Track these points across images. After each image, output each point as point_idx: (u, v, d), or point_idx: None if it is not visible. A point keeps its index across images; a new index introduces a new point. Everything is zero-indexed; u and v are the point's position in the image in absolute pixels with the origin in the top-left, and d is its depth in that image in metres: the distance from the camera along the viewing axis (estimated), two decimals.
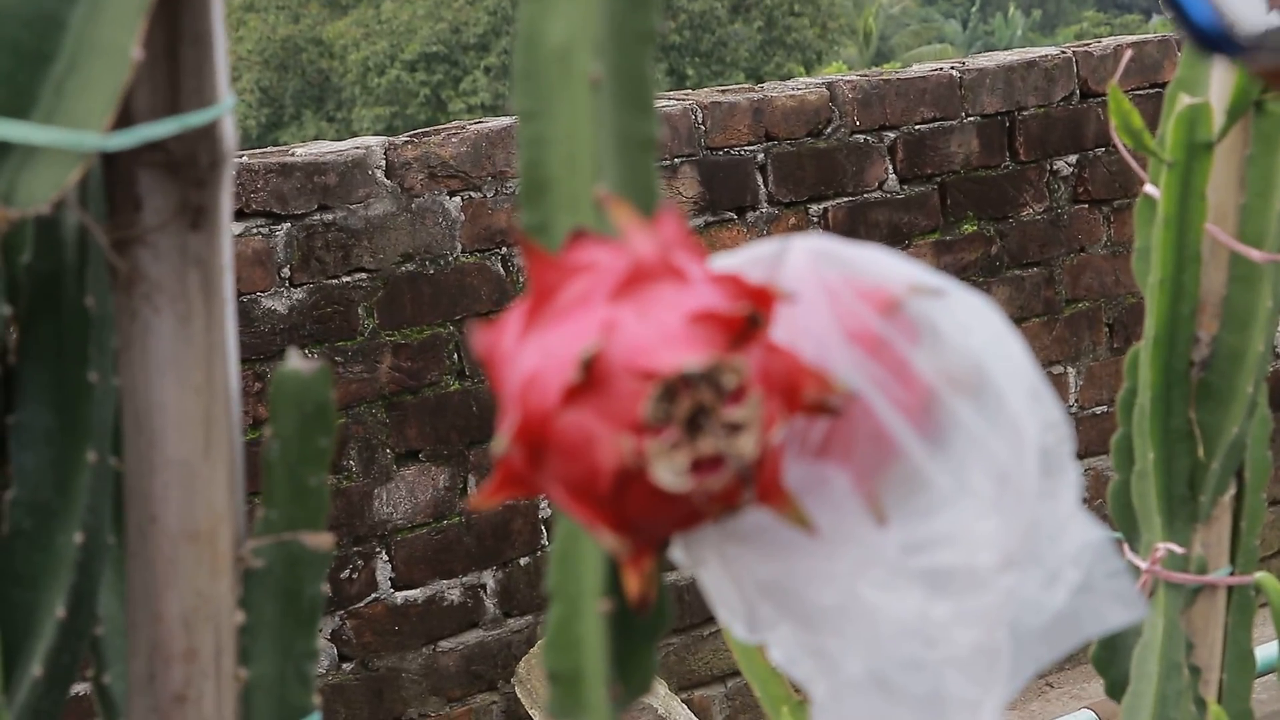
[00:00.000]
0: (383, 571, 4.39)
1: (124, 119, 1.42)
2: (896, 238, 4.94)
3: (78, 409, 1.49)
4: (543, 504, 4.63)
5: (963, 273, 5.10)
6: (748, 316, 1.04)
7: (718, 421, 1.03)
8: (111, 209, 1.46)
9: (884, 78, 5.19)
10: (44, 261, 1.47)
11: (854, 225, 4.94)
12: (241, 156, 4.24)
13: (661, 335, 1.03)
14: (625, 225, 1.05)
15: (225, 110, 1.43)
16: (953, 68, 5.31)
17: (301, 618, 1.53)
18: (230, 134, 1.45)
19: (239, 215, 4.18)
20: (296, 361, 1.48)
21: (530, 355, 1.06)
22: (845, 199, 4.95)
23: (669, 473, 1.02)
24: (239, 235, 4.14)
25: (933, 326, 1.18)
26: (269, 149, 4.52)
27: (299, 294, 4.22)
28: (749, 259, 1.17)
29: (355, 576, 4.37)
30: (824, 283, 1.17)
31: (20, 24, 1.33)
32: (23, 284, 1.48)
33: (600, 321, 1.04)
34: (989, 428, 1.16)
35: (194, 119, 1.41)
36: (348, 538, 4.30)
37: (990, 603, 1.15)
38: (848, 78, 5.17)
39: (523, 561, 4.58)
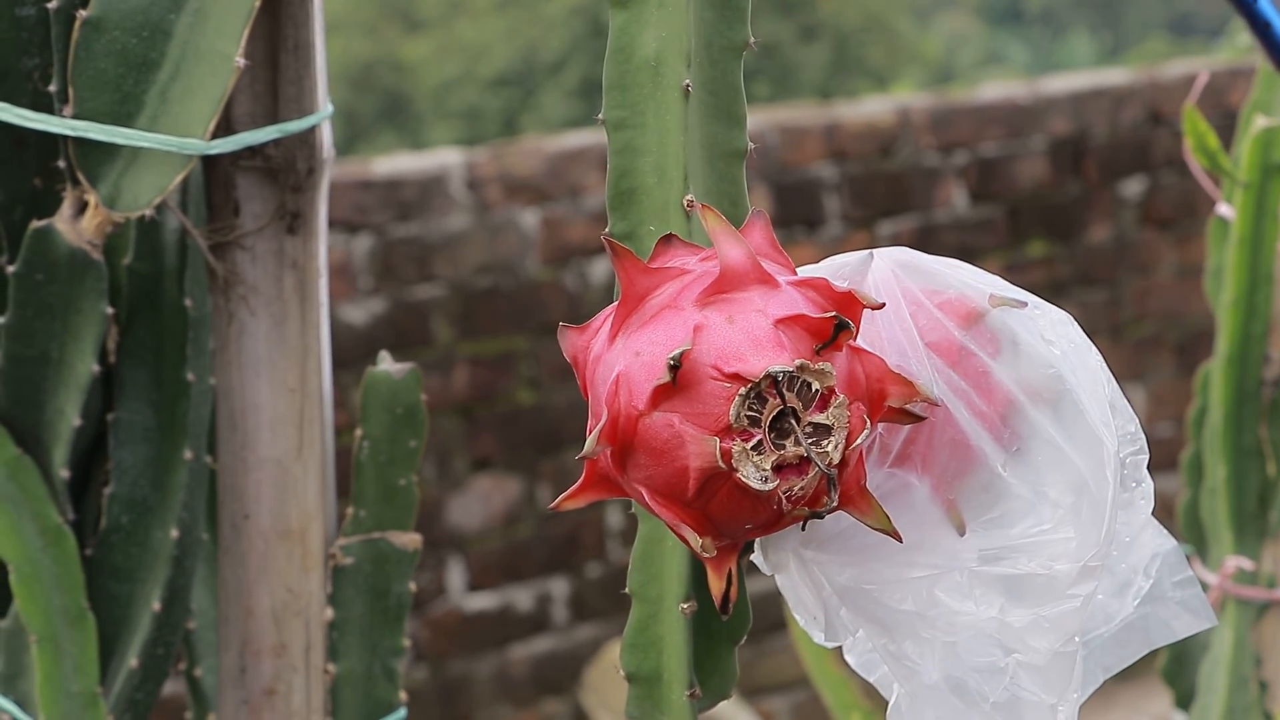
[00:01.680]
0: (455, 578, 4.43)
1: (224, 125, 1.47)
2: (964, 258, 4.92)
3: (175, 407, 1.53)
4: (610, 515, 4.67)
5: (1031, 291, 5.09)
6: (835, 322, 1.06)
7: (803, 424, 1.06)
8: (211, 213, 1.50)
9: (954, 100, 5.21)
10: (145, 263, 1.51)
11: (923, 245, 4.93)
12: None
13: (749, 339, 1.06)
14: (715, 231, 1.08)
15: (324, 118, 1.47)
16: (1022, 91, 5.33)
17: (389, 615, 1.56)
18: (328, 141, 1.49)
19: None
20: (388, 364, 1.52)
21: (620, 357, 1.08)
22: (914, 218, 4.97)
23: (754, 474, 1.05)
24: None
25: (1013, 338, 1.20)
26: (349, 161, 4.57)
27: (377, 304, 4.27)
28: (833, 267, 1.19)
29: (428, 583, 4.42)
30: (906, 293, 1.19)
31: (128, 32, 1.38)
32: (124, 285, 1.52)
33: (689, 325, 1.06)
34: (1067, 438, 1.18)
35: (293, 126, 1.45)
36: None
37: (1067, 610, 1.17)
38: (919, 100, 5.19)
39: (592, 571, 4.62)
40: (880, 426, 1.17)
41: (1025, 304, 1.20)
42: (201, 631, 1.64)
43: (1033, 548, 1.18)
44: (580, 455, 1.08)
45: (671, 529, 1.08)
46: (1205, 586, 2.12)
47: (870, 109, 5.09)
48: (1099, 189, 5.43)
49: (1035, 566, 1.17)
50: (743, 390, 1.05)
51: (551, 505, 1.13)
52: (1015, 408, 1.19)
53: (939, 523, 1.18)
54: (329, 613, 1.54)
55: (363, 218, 4.31)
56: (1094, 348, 1.21)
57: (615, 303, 1.11)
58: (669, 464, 1.06)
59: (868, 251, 1.20)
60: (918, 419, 1.13)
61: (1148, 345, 5.56)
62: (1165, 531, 1.28)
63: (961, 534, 1.18)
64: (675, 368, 1.05)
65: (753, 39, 1.20)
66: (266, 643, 1.55)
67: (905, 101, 5.16)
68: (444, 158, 4.52)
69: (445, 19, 23.70)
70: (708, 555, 1.08)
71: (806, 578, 1.21)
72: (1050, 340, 1.20)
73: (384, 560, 1.54)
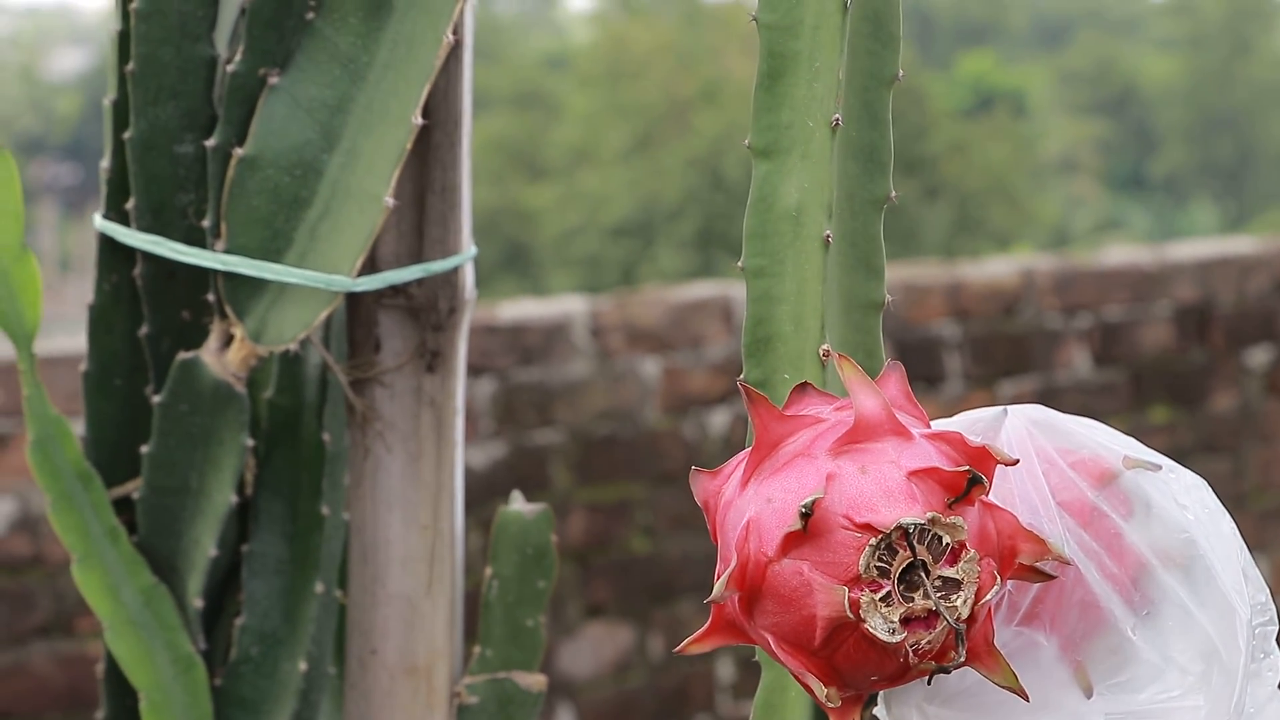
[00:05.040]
0: None
1: (369, 263, 1.50)
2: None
3: (309, 541, 1.55)
4: (720, 667, 4.65)
5: None
6: (969, 476, 1.07)
7: (933, 578, 1.06)
8: (352, 349, 1.53)
9: (1078, 263, 5.21)
10: (285, 397, 1.54)
11: (1046, 405, 4.91)
12: None
13: (882, 490, 1.07)
14: (851, 381, 1.09)
15: (468, 258, 1.50)
16: (1147, 257, 5.32)
17: None
18: (470, 282, 1.52)
19: None
20: (520, 504, 1.53)
21: (751, 503, 1.09)
22: (1036, 379, 4.97)
23: (882, 626, 1.05)
24: None
25: (1146, 500, 1.20)
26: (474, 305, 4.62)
27: (497, 448, 4.31)
28: (968, 422, 1.20)
29: None
30: (1040, 451, 1.20)
31: (281, 170, 1.41)
32: (264, 418, 1.55)
33: (822, 473, 1.07)
34: (1199, 604, 1.18)
35: (437, 266, 1.48)
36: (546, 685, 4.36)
37: None
38: (1042, 262, 5.20)
39: None
40: (1010, 584, 1.17)
41: (1159, 467, 1.20)
42: None
43: (1160, 714, 1.17)
44: (708, 599, 1.09)
45: (796, 678, 1.09)
46: None
47: (994, 269, 5.10)
48: (1224, 357, 5.40)
49: None
50: (873, 541, 1.05)
51: (677, 648, 1.14)
52: (1146, 571, 1.19)
53: (1065, 684, 1.18)
54: None
55: (486, 361, 4.36)
56: (1227, 514, 1.21)
57: (748, 449, 1.12)
58: (797, 612, 1.07)
59: (1002, 408, 1.21)
60: (1048, 578, 1.13)
61: (1271, 516, 5.49)
62: None
63: (1089, 696, 1.18)
64: (807, 515, 1.05)
65: (894, 193, 1.22)
66: None
67: (1029, 263, 5.16)
68: (568, 305, 4.56)
69: (569, 169, 23.98)
70: (832, 706, 1.09)
71: None
72: (1184, 505, 1.20)
73: (508, 701, 1.55)
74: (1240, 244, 5.69)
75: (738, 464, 1.13)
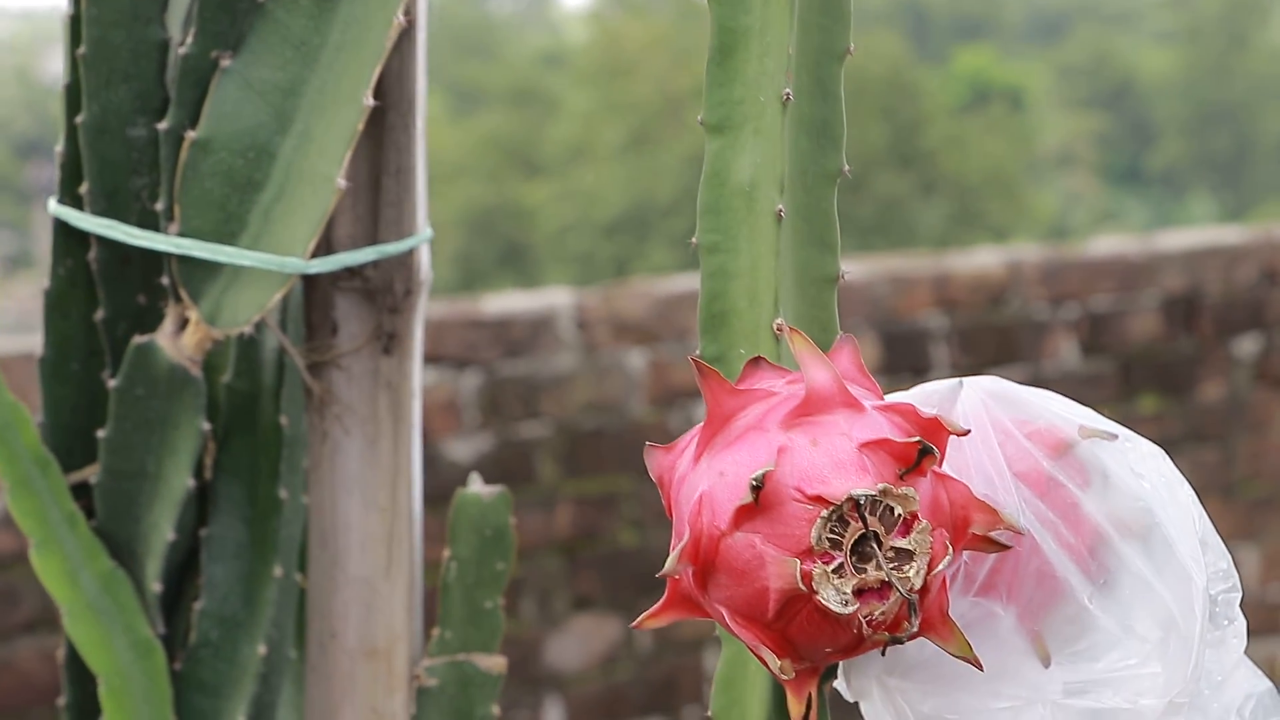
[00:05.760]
0: (552, 717, 4.41)
1: (325, 246, 1.49)
2: None
3: (267, 524, 1.54)
4: (709, 658, 4.64)
5: None
6: (920, 447, 1.06)
7: (885, 549, 1.05)
8: (309, 332, 1.52)
9: (1066, 254, 5.20)
10: (243, 381, 1.53)
11: None
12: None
13: (833, 462, 1.06)
14: (802, 354, 1.08)
15: (423, 240, 1.49)
16: (1135, 247, 5.31)
17: None
18: (426, 264, 1.51)
19: (428, 361, 4.27)
20: (478, 486, 1.52)
21: (704, 477, 1.08)
22: (1023, 369, 4.96)
23: (835, 597, 1.04)
24: (429, 385, 4.23)
25: (1103, 470, 1.19)
26: (462, 299, 4.61)
27: (483, 441, 4.29)
28: (922, 395, 1.19)
29: None
30: (995, 422, 1.19)
31: (234, 153, 1.40)
32: (222, 403, 1.54)
33: (774, 446, 1.06)
34: (1156, 573, 1.17)
35: (392, 248, 1.47)
36: (518, 682, 4.34)
37: None
38: (1029, 253, 5.18)
39: (690, 715, 4.58)
40: (965, 555, 1.16)
41: (1116, 436, 1.19)
42: None
43: (1118, 682, 1.16)
44: (660, 573, 1.08)
45: (751, 650, 1.08)
46: None
47: (981, 260, 5.09)
48: (1212, 346, 5.39)
49: (1120, 701, 1.15)
50: (825, 513, 1.04)
51: (634, 624, 1.13)
52: (1104, 541, 1.18)
53: (1024, 653, 1.17)
54: None
55: (472, 354, 4.35)
56: (1185, 482, 1.20)
57: (701, 424, 1.11)
58: (750, 585, 1.06)
59: (958, 380, 1.20)
60: (1003, 548, 1.12)
61: (1261, 505, 5.48)
62: (1260, 672, 1.26)
63: (1046, 665, 1.17)
64: (758, 488, 1.04)
65: (847, 167, 1.21)
66: None
67: (1016, 254, 5.15)
68: (554, 298, 4.55)
69: (565, 166, 23.96)
70: (786, 678, 1.08)
71: (890, 706, 1.20)
72: (1140, 474, 1.19)
73: (468, 683, 1.54)
74: (1228, 233, 5.67)
75: (691, 439, 1.12)
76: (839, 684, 1.22)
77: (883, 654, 1.10)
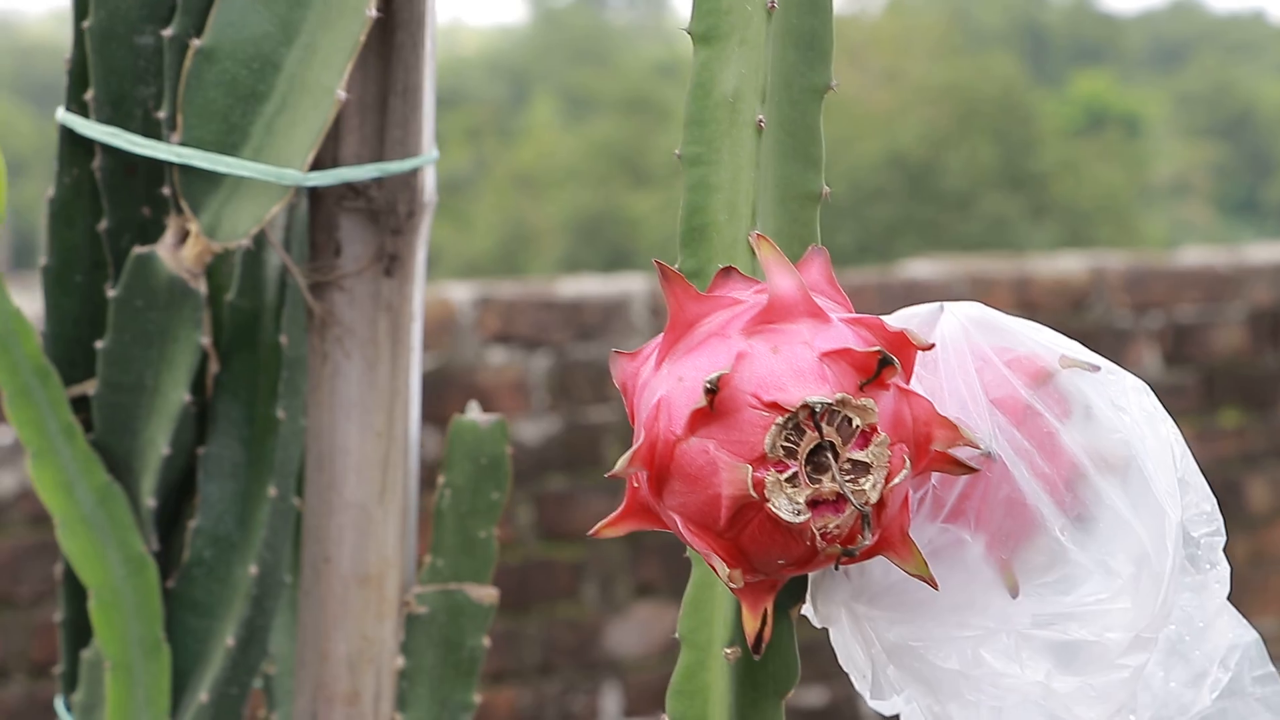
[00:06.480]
0: (610, 704, 4.40)
1: (333, 166, 1.48)
2: None
3: (264, 444, 1.53)
4: None
5: (1220, 462, 4.99)
6: (880, 357, 1.04)
7: (842, 460, 1.03)
8: (313, 252, 1.51)
9: (1151, 262, 5.13)
10: (246, 300, 1.52)
11: None
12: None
13: (792, 369, 1.03)
14: (768, 261, 1.06)
15: (427, 161, 1.48)
16: (1222, 258, 5.24)
17: (461, 669, 1.54)
18: (430, 186, 1.50)
19: (499, 340, 4.27)
20: (475, 413, 1.51)
21: (664, 382, 1.07)
22: None
23: (786, 506, 1.02)
24: (499, 365, 4.23)
25: (1086, 404, 1.16)
26: (534, 279, 4.61)
27: (551, 423, 4.29)
28: (904, 317, 1.17)
29: (583, 707, 4.39)
30: (975, 348, 1.16)
31: (239, 63, 1.40)
32: (225, 321, 1.53)
33: (734, 352, 1.04)
34: (1132, 508, 1.14)
35: (393, 166, 1.46)
36: (577, 666, 4.33)
37: (1116, 680, 1.12)
38: (1114, 259, 5.12)
39: None
40: (934, 479, 1.14)
41: (1098, 368, 1.16)
42: (281, 678, 1.64)
43: (1087, 615, 1.13)
44: (609, 473, 1.06)
45: (704, 559, 1.06)
46: None
47: (1064, 265, 5.03)
48: None
49: (1087, 634, 1.12)
50: (780, 420, 1.02)
51: (591, 531, 1.11)
52: (1081, 474, 1.15)
53: (992, 583, 1.14)
54: (400, 661, 1.52)
55: (543, 335, 4.34)
56: (1169, 419, 1.17)
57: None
58: (703, 491, 1.04)
59: (939, 304, 1.18)
60: (968, 470, 1.09)
61: None
62: (1245, 621, 1.22)
63: (1014, 595, 1.14)
64: (712, 391, 1.02)
65: (835, 82, 1.19)
66: (339, 690, 1.54)
67: (1100, 260, 5.09)
68: (628, 284, 4.54)
69: (672, 176, 23.95)
70: (735, 586, 1.06)
71: (857, 633, 1.18)
72: (1122, 407, 1.16)
73: (459, 612, 1.52)
74: None
75: (656, 345, 1.10)
76: (806, 609, 1.19)
77: (836, 567, 1.07)
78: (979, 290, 4.79)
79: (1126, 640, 1.12)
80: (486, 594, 1.52)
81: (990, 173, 23.50)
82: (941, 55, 26.04)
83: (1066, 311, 4.91)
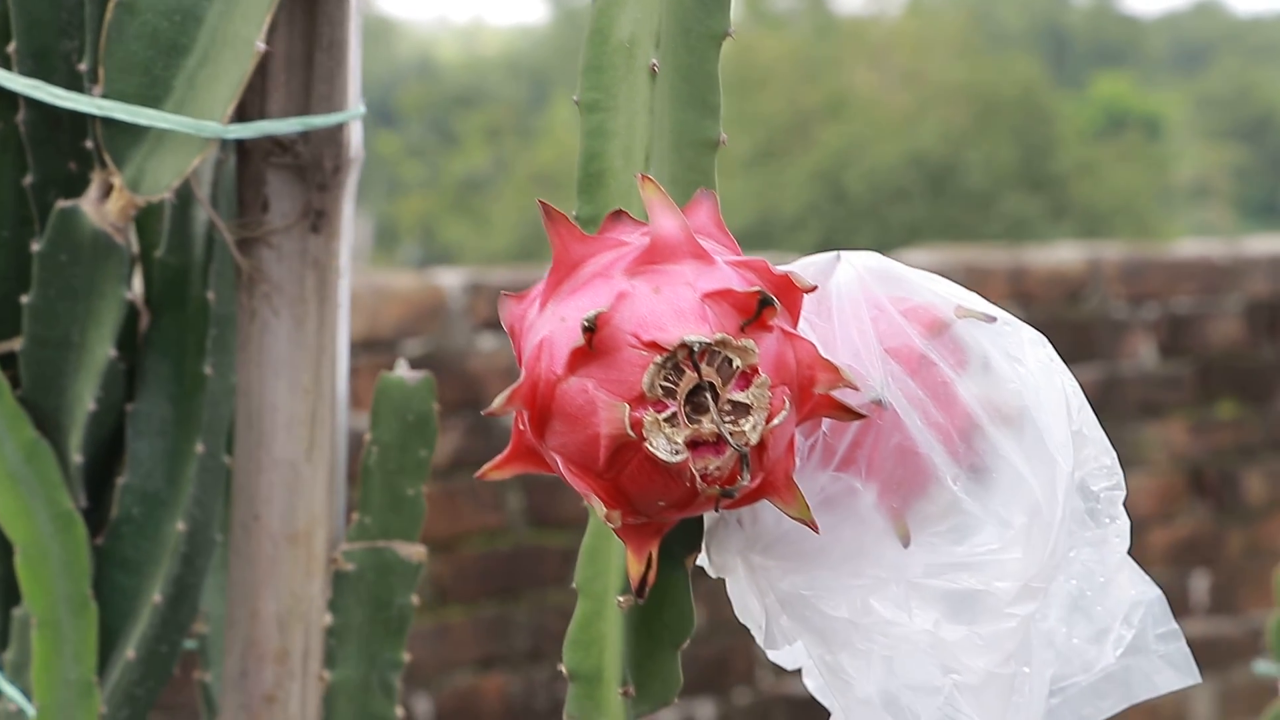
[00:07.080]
0: None
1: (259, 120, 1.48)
2: (1149, 413, 4.86)
3: (193, 401, 1.53)
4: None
5: (1217, 454, 4.98)
6: (760, 297, 1.04)
7: (721, 401, 1.03)
8: (240, 209, 1.51)
9: (1148, 253, 5.12)
10: (174, 256, 1.53)
11: (1106, 396, 4.86)
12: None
13: (673, 309, 1.04)
14: (651, 202, 1.06)
15: (353, 117, 1.48)
16: (1219, 250, 5.22)
17: (390, 626, 1.54)
18: (357, 141, 1.50)
19: (489, 328, 4.27)
20: (403, 370, 1.51)
21: (546, 323, 1.07)
22: (1098, 368, 4.89)
23: (665, 446, 1.02)
24: (488, 351, 4.23)
25: (984, 355, 1.16)
26: (523, 266, 4.61)
27: None
28: (800, 266, 1.17)
29: None
30: (870, 298, 1.16)
31: (160, 15, 1.40)
32: (155, 278, 1.54)
33: (615, 292, 1.05)
34: (1026, 460, 1.14)
35: (317, 121, 1.46)
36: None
37: (1004, 630, 1.12)
38: (1111, 250, 5.11)
39: (740, 696, 4.55)
40: (825, 426, 1.14)
41: (994, 319, 1.16)
42: (214, 637, 1.64)
43: (978, 565, 1.13)
44: (486, 411, 1.06)
45: (584, 499, 1.06)
46: None
47: (1060, 256, 5.02)
48: None
49: (975, 583, 1.12)
50: (658, 359, 1.02)
51: (477, 474, 1.12)
52: (976, 425, 1.15)
53: (885, 533, 1.14)
54: (328, 619, 1.52)
55: None
56: (1067, 371, 1.17)
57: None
58: (582, 431, 1.04)
59: (836, 254, 1.18)
60: (855, 415, 1.09)
61: None
62: (1146, 577, 1.22)
63: (906, 544, 1.14)
64: (591, 330, 1.03)
65: (731, 30, 1.19)
66: (269, 648, 1.55)
67: (1096, 251, 5.09)
68: None
69: None
70: (615, 526, 1.06)
71: (752, 583, 1.18)
72: (1018, 358, 1.16)
73: (387, 570, 1.53)
74: None
75: (540, 286, 1.11)
76: (701, 559, 1.20)
77: (717, 509, 1.07)
78: (974, 279, 4.78)
79: (1015, 589, 1.12)
80: (415, 551, 1.52)
81: (1010, 174, 23.45)
82: (962, 56, 25.98)
83: (1062, 302, 4.90)
